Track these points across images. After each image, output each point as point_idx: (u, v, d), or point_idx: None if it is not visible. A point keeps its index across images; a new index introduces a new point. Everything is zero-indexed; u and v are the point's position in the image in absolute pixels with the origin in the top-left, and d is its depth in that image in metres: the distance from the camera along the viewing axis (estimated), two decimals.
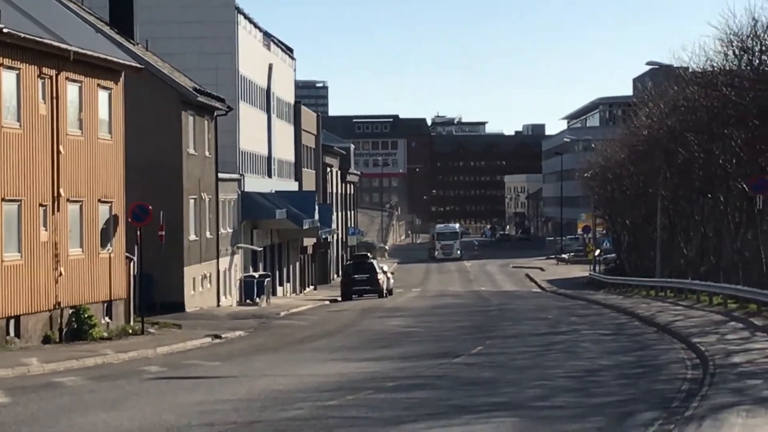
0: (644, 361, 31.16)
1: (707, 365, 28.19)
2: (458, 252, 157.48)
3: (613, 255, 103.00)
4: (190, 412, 21.49)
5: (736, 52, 52.25)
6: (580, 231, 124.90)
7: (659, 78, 76.21)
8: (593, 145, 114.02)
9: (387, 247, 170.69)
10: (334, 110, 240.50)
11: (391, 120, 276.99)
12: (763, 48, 49.43)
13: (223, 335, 42.19)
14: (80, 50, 38.99)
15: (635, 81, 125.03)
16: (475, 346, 36.57)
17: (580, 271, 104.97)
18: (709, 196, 61.40)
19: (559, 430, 18.84)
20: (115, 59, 43.09)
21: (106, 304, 41.50)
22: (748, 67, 50.71)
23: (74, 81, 39.23)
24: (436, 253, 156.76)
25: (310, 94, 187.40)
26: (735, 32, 52.66)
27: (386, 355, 34.08)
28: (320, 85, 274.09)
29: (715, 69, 56.18)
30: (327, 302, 71.50)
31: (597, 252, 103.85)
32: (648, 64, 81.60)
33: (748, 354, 30.59)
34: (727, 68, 53.59)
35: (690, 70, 61.72)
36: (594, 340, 38.42)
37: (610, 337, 39.61)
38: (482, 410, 21.38)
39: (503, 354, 33.97)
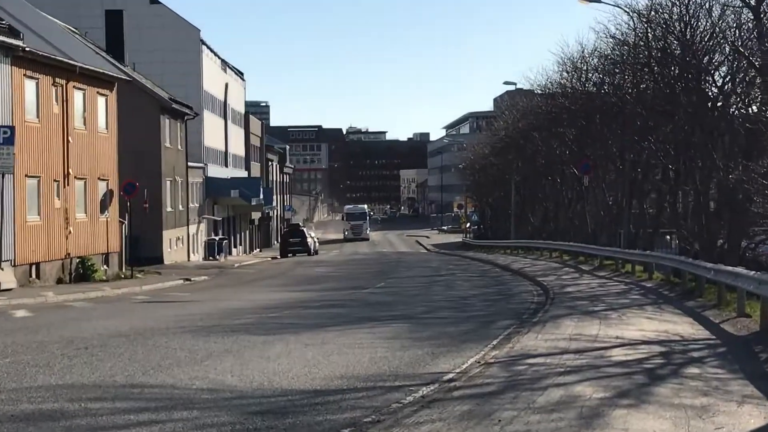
0: (503, 292, 31.59)
1: (548, 293, 28.73)
2: (367, 231, 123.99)
3: (478, 225, 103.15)
4: (167, 319, 21.53)
5: (569, 71, 52.91)
6: (455, 209, 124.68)
7: (513, 94, 76.59)
8: (465, 146, 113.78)
9: (312, 223, 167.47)
10: (274, 122, 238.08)
11: (316, 129, 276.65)
12: (589, 68, 50.03)
13: (192, 278, 41.93)
14: (83, 65, 38.84)
15: (495, 99, 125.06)
16: (379, 282, 36.76)
17: (455, 237, 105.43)
18: (549, 178, 62.03)
19: (440, 331, 19.09)
20: (109, 72, 42.92)
21: (104, 256, 41.16)
22: (578, 82, 51.35)
23: (79, 89, 38.94)
24: (345, 233, 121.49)
25: (257, 110, 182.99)
26: (569, 57, 53.34)
27: (313, 288, 34.16)
28: (264, 104, 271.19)
29: (553, 84, 56.95)
30: (270, 259, 71.15)
31: (468, 224, 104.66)
32: (504, 83, 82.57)
33: (577, 287, 31.22)
34: (562, 83, 54.33)
35: (536, 85, 62.51)
36: (465, 279, 38.70)
37: (477, 278, 39.92)
38: (383, 320, 21.65)
39: (399, 287, 34.24)
